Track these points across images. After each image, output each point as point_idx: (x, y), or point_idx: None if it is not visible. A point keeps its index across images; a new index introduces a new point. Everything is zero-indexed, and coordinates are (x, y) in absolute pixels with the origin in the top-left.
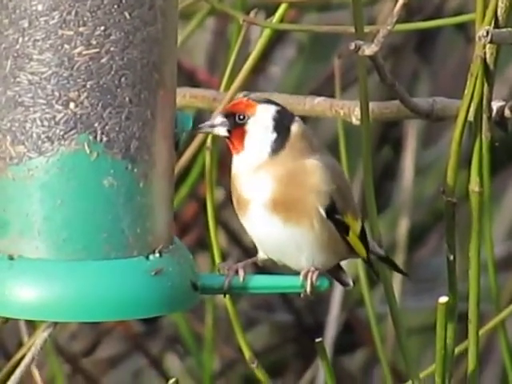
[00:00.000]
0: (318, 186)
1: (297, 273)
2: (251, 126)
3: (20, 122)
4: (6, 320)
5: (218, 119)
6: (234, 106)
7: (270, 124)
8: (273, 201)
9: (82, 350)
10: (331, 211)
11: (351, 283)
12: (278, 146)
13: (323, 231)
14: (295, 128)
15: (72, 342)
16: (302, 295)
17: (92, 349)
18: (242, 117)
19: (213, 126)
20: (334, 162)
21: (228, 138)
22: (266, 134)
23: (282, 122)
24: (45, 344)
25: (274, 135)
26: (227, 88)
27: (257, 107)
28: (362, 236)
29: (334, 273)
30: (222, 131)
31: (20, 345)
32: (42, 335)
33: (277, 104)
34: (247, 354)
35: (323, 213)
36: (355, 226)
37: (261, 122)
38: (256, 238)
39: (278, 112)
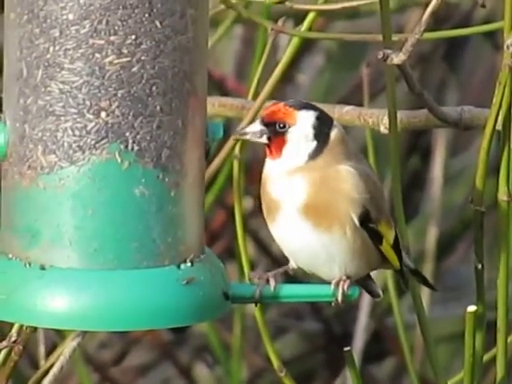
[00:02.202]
0: (351, 193)
1: (327, 282)
2: (292, 135)
3: (51, 132)
4: (35, 329)
5: (257, 126)
6: (273, 113)
7: (310, 132)
8: (305, 205)
9: (111, 358)
10: (364, 219)
11: (381, 294)
12: (317, 152)
13: (356, 239)
14: (334, 134)
15: (101, 351)
16: (332, 304)
17: (121, 357)
18: (282, 125)
19: (253, 133)
20: (369, 170)
21: (267, 145)
22: (307, 143)
23: (322, 129)
24: (73, 353)
25: (314, 143)
26: (255, 96)
27: (297, 115)
28: (396, 245)
29: (364, 283)
30: (262, 139)
31: (48, 354)
32: (70, 344)
33: (315, 108)
34: (276, 362)
35: (356, 221)
36: (389, 235)
37: (301, 131)
38: (286, 246)
39: (317, 118)
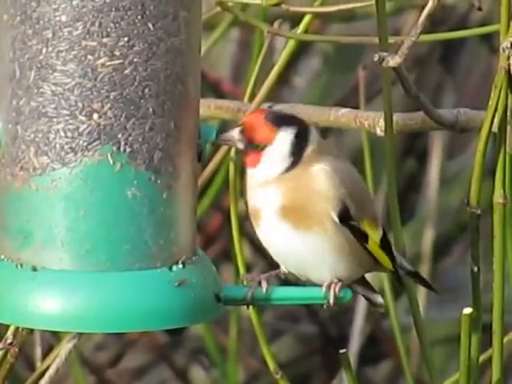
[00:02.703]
0: (325, 190)
1: (319, 285)
2: (267, 154)
3: (43, 133)
4: (31, 331)
5: (236, 134)
6: (252, 128)
7: (287, 151)
8: (282, 207)
9: (107, 361)
10: (344, 217)
11: (382, 303)
12: (291, 167)
13: (338, 238)
14: (311, 150)
15: (97, 353)
16: (324, 307)
17: (117, 360)
18: (257, 145)
19: (230, 140)
20: (347, 167)
21: (244, 153)
22: (282, 160)
23: (299, 145)
24: (69, 355)
25: (290, 159)
26: (251, 99)
27: (275, 135)
28: (385, 246)
29: (364, 293)
30: (239, 145)
31: (44, 356)
32: (66, 346)
33: (296, 122)
34: (272, 365)
35: (335, 218)
36: (374, 234)
37: (277, 151)
38: (272, 250)
39: (296, 136)
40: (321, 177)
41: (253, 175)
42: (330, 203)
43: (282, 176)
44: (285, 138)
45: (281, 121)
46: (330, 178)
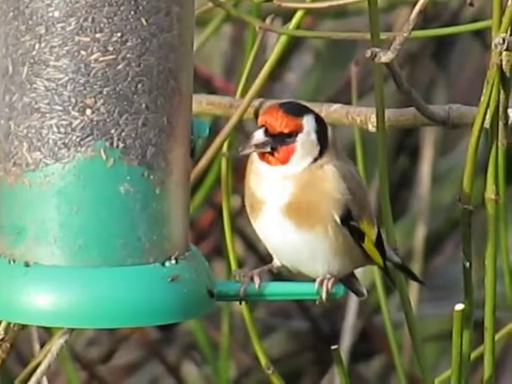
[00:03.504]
0: (333, 193)
1: (312, 280)
2: (300, 143)
3: (36, 129)
4: (23, 327)
5: (262, 137)
6: (276, 123)
7: (315, 137)
8: (288, 204)
9: (99, 356)
10: (346, 218)
11: (365, 292)
12: (320, 155)
13: (338, 237)
14: (330, 135)
15: (88, 349)
16: (317, 302)
17: (108, 356)
18: (289, 135)
19: (259, 145)
20: (351, 168)
21: (270, 153)
22: (313, 148)
23: (323, 132)
24: (61, 351)
25: (319, 147)
26: (243, 95)
27: (301, 122)
28: (379, 243)
29: (348, 282)
30: (266, 149)
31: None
32: (58, 342)
33: (311, 110)
34: (263, 360)
35: (338, 219)
36: (371, 233)
37: (308, 138)
38: (269, 243)
39: (316, 121)
40: (332, 179)
41: (273, 170)
42: (336, 206)
43: (308, 168)
44: (310, 123)
45: (300, 110)
46: (341, 180)
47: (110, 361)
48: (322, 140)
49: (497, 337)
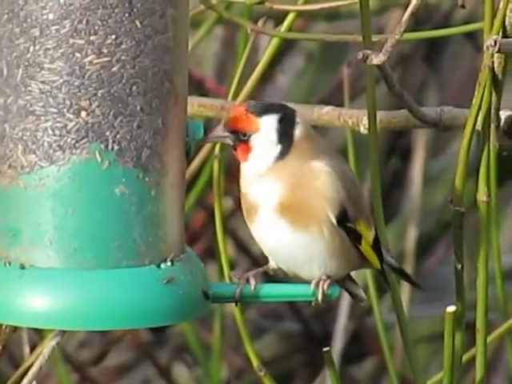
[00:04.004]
0: (327, 192)
1: (307, 281)
2: (255, 142)
3: (31, 131)
4: (15, 329)
5: (221, 132)
6: (235, 121)
7: (274, 137)
8: (280, 204)
9: (90, 358)
10: (342, 219)
11: (365, 297)
12: (283, 154)
13: (334, 239)
14: (299, 133)
15: (80, 351)
16: (313, 304)
17: (100, 357)
18: (243, 134)
19: (218, 137)
20: (345, 167)
21: (233, 148)
22: (271, 147)
23: (286, 131)
24: (52, 352)
25: (279, 146)
26: (235, 97)
27: (258, 122)
28: (376, 245)
29: (347, 286)
30: (228, 140)
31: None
32: (49, 344)
33: (277, 109)
34: (255, 362)
35: (334, 220)
36: (368, 235)
37: (264, 138)
38: (265, 246)
39: (280, 121)
40: (323, 177)
41: (246, 169)
42: (330, 205)
43: (276, 166)
44: (269, 124)
45: (262, 109)
46: (332, 180)
47: (102, 362)
48: (285, 139)
49: (489, 339)
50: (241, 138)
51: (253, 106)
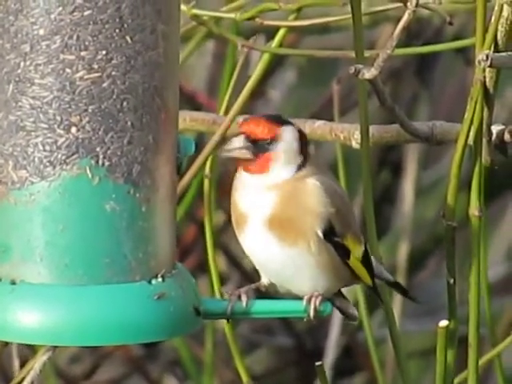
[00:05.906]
0: (315, 208)
1: (299, 298)
2: (280, 151)
3: (22, 147)
4: (6, 344)
5: (242, 142)
6: (257, 130)
7: (296, 147)
8: (270, 218)
9: (82, 372)
10: (329, 233)
11: (357, 315)
12: (301, 166)
13: (321, 253)
14: (311, 148)
15: (72, 365)
16: (305, 320)
17: (92, 372)
18: (269, 142)
19: (238, 150)
20: (335, 184)
21: (250, 160)
22: (295, 157)
23: (304, 143)
24: (44, 367)
25: (301, 157)
26: (226, 112)
27: (281, 130)
28: (366, 261)
29: (338, 304)
30: (246, 154)
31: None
32: (41, 359)
33: (291, 122)
34: (245, 378)
35: (320, 234)
36: (356, 250)
37: (288, 146)
38: (254, 258)
39: (298, 132)
40: (314, 193)
41: (254, 180)
42: (318, 221)
43: (289, 179)
44: (291, 133)
45: (280, 119)
46: (323, 195)
47: (93, 377)
48: (304, 151)
49: (481, 362)
50: (264, 146)
51: (270, 116)
